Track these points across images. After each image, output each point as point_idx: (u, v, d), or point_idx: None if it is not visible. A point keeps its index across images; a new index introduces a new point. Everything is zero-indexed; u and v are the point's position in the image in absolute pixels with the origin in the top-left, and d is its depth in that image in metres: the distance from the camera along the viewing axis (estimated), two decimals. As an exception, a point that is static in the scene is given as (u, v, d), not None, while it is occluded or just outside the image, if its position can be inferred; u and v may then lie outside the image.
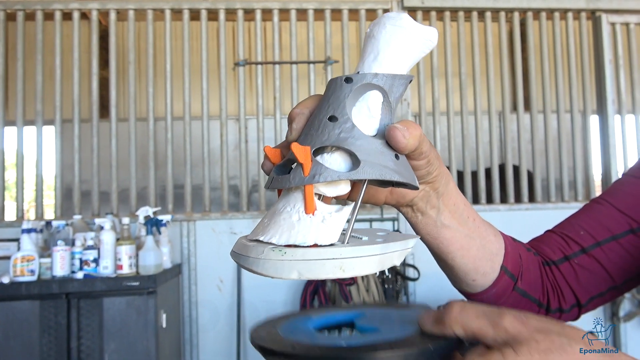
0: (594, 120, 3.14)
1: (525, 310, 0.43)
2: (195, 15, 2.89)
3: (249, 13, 2.91)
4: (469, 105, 3.05)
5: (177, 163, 2.90)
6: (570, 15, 3.07)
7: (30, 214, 5.17)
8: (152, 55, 2.82)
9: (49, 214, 5.34)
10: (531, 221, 2.84)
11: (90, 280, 2.06)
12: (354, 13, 2.96)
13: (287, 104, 3.33)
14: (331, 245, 0.35)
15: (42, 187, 2.76)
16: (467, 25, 3.04)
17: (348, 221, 0.37)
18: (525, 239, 0.67)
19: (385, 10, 2.95)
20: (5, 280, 2.03)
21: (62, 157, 2.77)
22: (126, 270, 2.11)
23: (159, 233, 2.36)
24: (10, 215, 2.91)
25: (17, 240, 2.34)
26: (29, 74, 2.80)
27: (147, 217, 2.34)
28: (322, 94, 0.40)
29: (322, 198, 0.38)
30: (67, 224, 2.30)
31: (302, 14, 2.93)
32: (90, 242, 2.15)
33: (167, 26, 2.83)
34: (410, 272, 2.72)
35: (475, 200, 3.02)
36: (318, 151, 0.37)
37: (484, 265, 0.54)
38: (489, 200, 3.05)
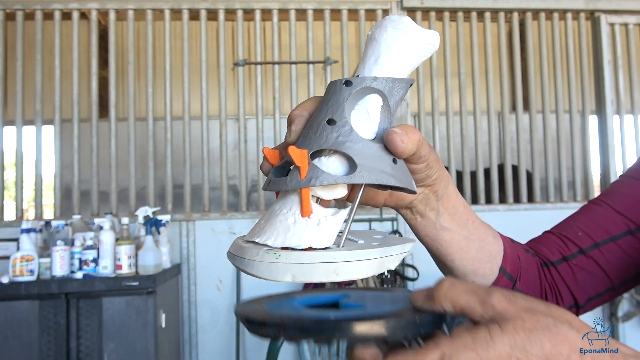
0: (592, 121, 3.14)
1: None
2: (194, 15, 2.89)
3: (248, 13, 2.91)
4: (468, 106, 3.05)
5: (176, 163, 2.90)
6: (569, 15, 3.08)
7: (29, 213, 5.17)
8: (152, 55, 2.82)
9: (48, 213, 5.34)
10: (530, 221, 2.85)
11: (90, 280, 2.07)
12: (353, 13, 2.96)
13: (287, 104, 3.33)
14: (326, 248, 0.35)
15: (42, 186, 2.76)
16: (467, 25, 3.04)
17: (345, 222, 0.37)
18: (524, 239, 0.67)
19: (385, 11, 2.95)
20: (5, 280, 2.03)
21: (61, 157, 2.77)
22: (125, 270, 2.11)
23: (158, 233, 2.36)
24: (9, 215, 2.91)
25: (16, 240, 2.34)
26: (29, 74, 2.80)
27: (146, 217, 2.34)
28: (322, 95, 0.40)
29: (320, 201, 0.38)
30: (66, 224, 2.30)
31: (301, 14, 2.93)
32: (89, 242, 2.15)
33: (167, 26, 2.83)
34: (410, 272, 2.72)
35: (474, 200, 3.02)
36: (316, 154, 0.37)
37: (483, 267, 0.55)
38: (488, 200, 3.05)
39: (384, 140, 0.38)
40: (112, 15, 2.81)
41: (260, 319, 0.34)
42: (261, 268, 0.35)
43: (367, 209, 2.86)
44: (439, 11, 2.99)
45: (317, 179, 0.35)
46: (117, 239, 2.16)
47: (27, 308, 2.02)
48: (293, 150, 0.35)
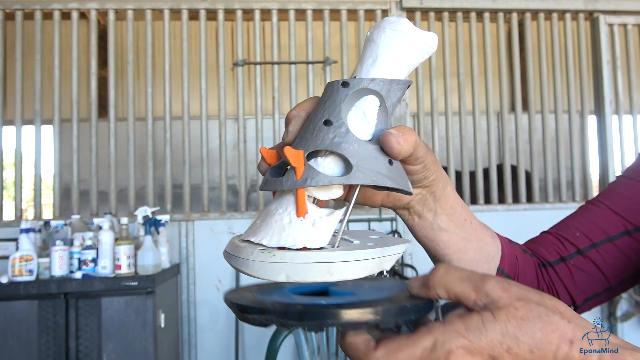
0: (591, 121, 3.15)
1: None
2: (194, 15, 2.89)
3: (247, 13, 2.91)
4: (467, 106, 3.06)
5: (175, 163, 2.90)
6: (568, 16, 3.08)
7: (28, 213, 5.16)
8: (151, 55, 2.82)
9: (48, 213, 5.34)
10: (529, 221, 2.85)
11: (89, 280, 2.07)
12: (352, 13, 2.96)
13: (286, 104, 3.34)
14: (321, 248, 0.35)
15: (41, 186, 2.76)
16: (466, 25, 3.05)
17: (341, 222, 0.37)
18: (523, 239, 0.67)
19: (384, 11, 2.95)
20: (4, 280, 2.03)
21: (60, 157, 2.77)
22: (125, 270, 2.11)
23: (158, 233, 2.36)
24: (8, 214, 2.91)
25: (15, 240, 2.34)
26: (28, 74, 2.80)
27: (145, 217, 2.34)
28: (320, 96, 0.40)
29: (317, 201, 0.39)
30: (65, 224, 2.30)
31: (300, 14, 2.93)
32: (88, 242, 2.15)
33: (166, 26, 2.83)
34: (408, 272, 2.72)
35: (473, 200, 3.03)
36: (312, 155, 0.37)
37: (481, 267, 0.55)
38: (487, 200, 3.05)
39: (380, 142, 0.38)
40: (111, 15, 2.81)
41: (251, 306, 0.34)
42: (256, 267, 0.35)
43: (366, 209, 2.87)
44: (438, 11, 2.99)
45: (313, 180, 0.35)
46: (116, 239, 2.16)
47: (26, 308, 2.02)
48: (289, 151, 0.35)
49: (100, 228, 2.17)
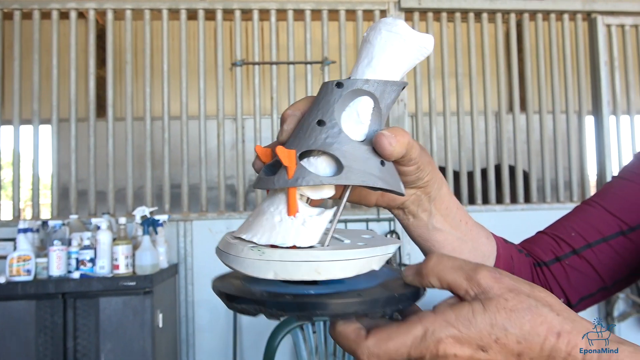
0: (589, 121, 3.16)
1: None
2: (192, 15, 2.89)
3: (246, 13, 2.92)
4: (466, 106, 3.06)
5: (174, 163, 2.90)
6: (566, 16, 3.09)
7: (26, 213, 5.16)
8: (149, 54, 2.82)
9: (46, 213, 5.33)
10: (527, 221, 2.86)
11: (87, 280, 2.06)
12: (351, 14, 2.97)
13: (284, 104, 3.34)
14: (310, 247, 0.35)
15: (39, 186, 2.76)
16: (464, 26, 3.05)
17: (331, 222, 0.38)
18: (520, 239, 0.68)
19: (382, 11, 2.96)
20: (2, 280, 2.03)
21: (58, 157, 2.77)
22: (123, 270, 2.11)
23: (156, 233, 2.36)
24: (6, 214, 2.91)
25: (13, 239, 2.34)
26: (26, 73, 2.80)
27: (143, 217, 2.34)
28: (315, 96, 0.41)
29: (310, 201, 0.39)
30: (63, 224, 2.29)
31: (299, 14, 2.93)
32: (86, 242, 2.15)
33: (165, 26, 2.83)
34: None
35: (471, 200, 3.03)
36: (305, 154, 0.37)
37: None
38: (485, 200, 3.06)
39: (372, 143, 0.38)
40: (109, 15, 2.81)
41: (240, 296, 0.34)
42: (245, 264, 0.35)
43: (364, 209, 2.87)
44: (437, 12, 2.99)
45: (304, 179, 0.35)
46: (114, 239, 2.16)
47: (24, 308, 2.02)
48: (281, 150, 0.36)
49: (98, 228, 2.17)
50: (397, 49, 0.38)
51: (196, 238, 2.71)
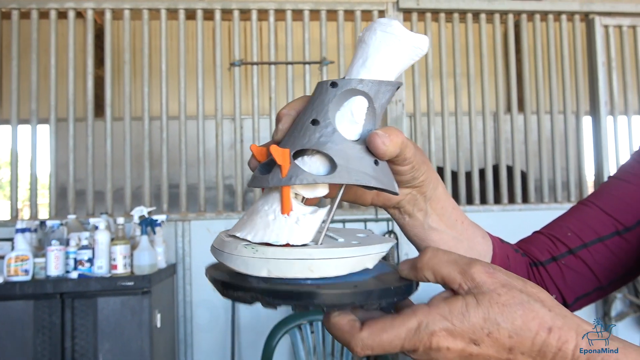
0: (586, 122, 3.16)
1: None
2: (191, 14, 2.89)
3: (244, 13, 2.92)
4: (464, 106, 3.07)
5: (172, 163, 2.90)
6: (564, 17, 3.10)
7: (24, 213, 5.15)
8: (148, 54, 2.82)
9: (43, 213, 5.32)
10: (524, 222, 2.86)
11: (85, 280, 2.06)
12: (349, 14, 2.97)
13: (283, 104, 3.33)
14: (303, 245, 0.36)
15: (37, 186, 2.75)
16: (462, 26, 3.06)
17: (324, 221, 0.38)
18: (518, 239, 0.68)
19: (381, 12, 2.96)
20: (-1, 279, 2.03)
21: (56, 156, 2.77)
22: (121, 270, 2.11)
23: (154, 233, 2.36)
24: (4, 214, 2.90)
25: (11, 239, 2.34)
26: (24, 73, 2.79)
27: (141, 217, 2.34)
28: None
29: (305, 200, 0.39)
30: (61, 224, 2.29)
31: (298, 14, 2.93)
32: (84, 242, 2.15)
33: (163, 26, 2.83)
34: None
35: (469, 200, 3.04)
36: (299, 153, 0.38)
37: None
38: (483, 200, 3.07)
39: (366, 142, 0.38)
40: (108, 15, 2.80)
41: (236, 284, 0.34)
42: (238, 262, 0.36)
43: (362, 209, 2.87)
44: (435, 12, 3.00)
45: (297, 178, 0.36)
46: (112, 239, 2.16)
47: (21, 308, 2.02)
48: (275, 149, 0.36)
49: (96, 228, 2.17)
50: (392, 49, 0.39)
51: (194, 238, 2.71)
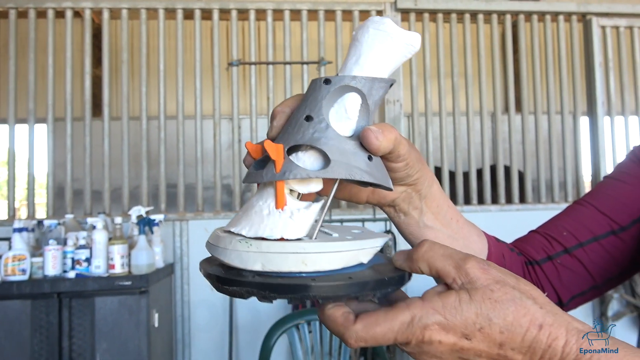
0: (584, 122, 3.18)
1: None
2: (189, 14, 2.89)
3: (243, 13, 2.92)
4: (461, 107, 3.07)
5: (170, 162, 2.90)
6: (561, 18, 3.11)
7: (21, 212, 5.13)
8: (146, 54, 2.82)
9: (41, 213, 5.31)
10: (522, 222, 2.86)
11: (82, 280, 2.06)
12: (347, 14, 2.97)
13: (281, 104, 3.33)
14: (298, 240, 0.36)
15: (34, 185, 2.75)
16: (460, 27, 3.06)
17: (319, 215, 0.38)
18: (515, 239, 0.68)
19: (379, 12, 2.96)
20: (-4, 279, 2.02)
21: (54, 156, 2.76)
22: (118, 269, 2.11)
23: (152, 232, 2.36)
24: (1, 213, 2.90)
25: (8, 239, 2.33)
26: (21, 72, 2.79)
27: (139, 217, 2.33)
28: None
29: (301, 195, 0.39)
30: (59, 223, 2.29)
31: (295, 14, 2.93)
32: (82, 242, 2.15)
33: (161, 25, 2.83)
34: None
35: (467, 200, 3.04)
36: (293, 149, 0.38)
37: None
38: (480, 200, 3.07)
39: (359, 138, 0.39)
40: (105, 14, 2.80)
41: (231, 278, 0.35)
42: (232, 256, 0.36)
43: (360, 209, 2.88)
44: (432, 13, 3.00)
45: (291, 173, 0.36)
46: (110, 239, 2.16)
47: (19, 307, 2.01)
48: (268, 145, 0.36)
49: (93, 227, 2.17)
50: (385, 47, 0.39)
51: (192, 238, 2.71)
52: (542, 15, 3.11)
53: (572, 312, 0.63)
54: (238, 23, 2.92)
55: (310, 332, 1.81)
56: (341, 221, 2.77)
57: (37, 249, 2.26)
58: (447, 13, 3.02)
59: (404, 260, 0.37)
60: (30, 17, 2.74)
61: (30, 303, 2.02)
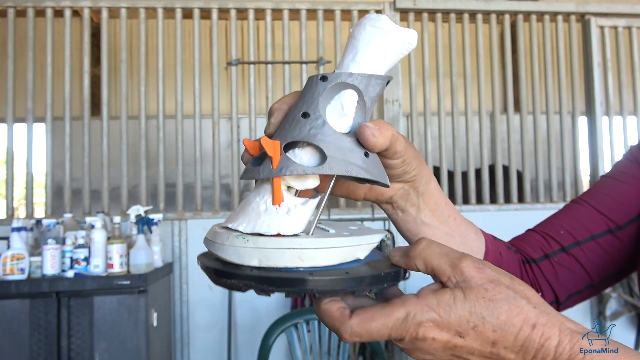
0: (582, 122, 3.18)
1: None
2: (187, 13, 2.89)
3: (241, 12, 2.92)
4: (460, 106, 3.08)
5: (168, 162, 2.90)
6: (559, 18, 3.11)
7: (20, 212, 5.13)
8: (144, 53, 2.82)
9: (39, 212, 5.31)
10: (520, 221, 2.86)
11: (81, 279, 2.06)
12: (346, 13, 2.97)
13: (280, 103, 3.33)
14: (294, 235, 0.36)
15: (33, 185, 2.75)
16: (459, 26, 3.07)
17: (316, 211, 0.38)
18: (513, 237, 0.68)
19: (378, 11, 2.97)
20: (-5, 278, 2.02)
21: (52, 155, 2.76)
22: (117, 269, 2.11)
23: (150, 232, 2.35)
24: (0, 213, 2.89)
25: (7, 238, 2.33)
26: (20, 71, 2.78)
27: (138, 216, 2.33)
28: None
29: (298, 192, 0.40)
30: (57, 223, 2.29)
31: (294, 14, 2.93)
32: (81, 241, 2.14)
33: (160, 24, 2.82)
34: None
35: (465, 200, 3.05)
36: (290, 146, 0.38)
37: None
38: (479, 200, 3.08)
39: (356, 134, 0.39)
40: (104, 13, 2.80)
41: (229, 272, 0.35)
42: (229, 252, 0.36)
43: (358, 208, 2.88)
44: (431, 12, 3.01)
45: (288, 169, 0.36)
46: (108, 238, 2.15)
47: (17, 307, 2.01)
48: (265, 141, 0.36)
49: (92, 227, 2.17)
50: (381, 44, 0.39)
51: (191, 237, 2.71)
52: (540, 15, 3.11)
53: (570, 311, 0.64)
54: (237, 22, 2.92)
55: (309, 331, 1.81)
56: (340, 221, 2.77)
57: (35, 248, 2.26)
58: (446, 13, 3.02)
59: (401, 257, 0.37)
60: (29, 16, 2.74)
61: (28, 302, 2.02)
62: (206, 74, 3.04)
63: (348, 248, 0.37)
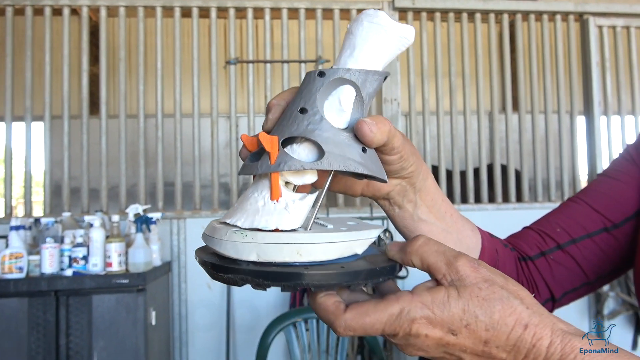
0: (580, 121, 3.19)
1: None
2: (186, 12, 2.88)
3: (240, 11, 2.91)
4: (459, 106, 3.08)
5: (167, 160, 2.90)
6: (558, 17, 3.12)
7: (18, 210, 5.12)
8: (143, 52, 2.81)
9: (38, 210, 5.30)
10: (518, 220, 2.87)
11: (80, 278, 2.06)
12: (345, 13, 2.97)
13: (279, 102, 3.33)
14: (292, 230, 0.36)
15: (31, 183, 2.74)
16: (457, 26, 3.07)
17: (314, 207, 0.38)
18: (509, 235, 0.69)
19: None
20: (-7, 277, 2.02)
21: (51, 154, 2.76)
22: (115, 267, 2.11)
23: (149, 231, 2.36)
24: (-2, 212, 2.89)
25: (5, 237, 2.33)
26: (18, 70, 2.78)
27: (137, 215, 2.33)
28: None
29: (297, 187, 0.40)
30: (56, 221, 2.29)
31: (293, 13, 2.93)
32: (79, 240, 2.14)
33: (158, 23, 2.82)
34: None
35: (464, 199, 3.05)
36: (288, 141, 0.38)
37: None
38: (477, 199, 3.08)
39: (354, 130, 0.39)
40: (103, 12, 2.80)
41: (226, 266, 0.35)
42: (228, 247, 0.36)
43: (357, 207, 2.88)
44: (430, 12, 3.01)
45: (286, 164, 0.36)
46: (107, 237, 2.15)
47: (16, 305, 2.01)
48: (263, 137, 0.37)
49: (91, 225, 2.17)
50: (378, 39, 0.39)
51: (189, 236, 2.71)
52: (539, 14, 3.11)
53: (568, 310, 0.64)
54: (236, 21, 2.91)
55: (307, 330, 1.82)
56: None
57: (34, 247, 2.26)
58: (444, 12, 3.03)
59: (398, 252, 0.38)
60: (27, 14, 2.73)
61: (27, 301, 2.02)
62: (205, 73, 3.04)
63: (346, 243, 0.37)
